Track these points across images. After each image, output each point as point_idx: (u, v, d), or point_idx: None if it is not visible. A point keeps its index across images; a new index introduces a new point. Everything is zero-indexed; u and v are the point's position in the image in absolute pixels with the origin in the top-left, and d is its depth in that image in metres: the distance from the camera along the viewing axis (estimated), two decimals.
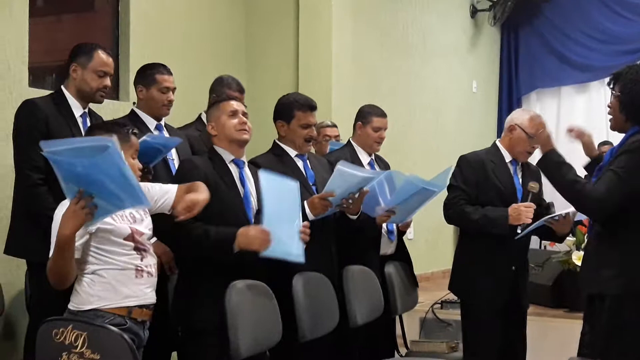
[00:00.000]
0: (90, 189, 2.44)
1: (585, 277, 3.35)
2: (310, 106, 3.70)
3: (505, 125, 3.98)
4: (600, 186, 3.14)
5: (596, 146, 7.28)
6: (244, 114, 3.35)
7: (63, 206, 2.65)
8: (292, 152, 3.72)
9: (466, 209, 3.83)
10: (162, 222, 3.02)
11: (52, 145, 2.41)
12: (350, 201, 3.54)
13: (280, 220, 3.15)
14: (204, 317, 3.13)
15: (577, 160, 8.25)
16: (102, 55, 3.51)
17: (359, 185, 3.52)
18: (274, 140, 3.77)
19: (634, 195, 3.12)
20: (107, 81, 3.51)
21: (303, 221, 3.33)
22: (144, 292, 2.79)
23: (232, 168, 3.32)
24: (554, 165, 3.34)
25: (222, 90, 4.31)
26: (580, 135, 3.75)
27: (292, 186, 3.29)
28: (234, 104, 3.35)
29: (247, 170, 3.38)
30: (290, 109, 3.68)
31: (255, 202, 3.32)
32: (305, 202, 3.48)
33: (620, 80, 3.27)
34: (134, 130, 2.90)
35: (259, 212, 3.26)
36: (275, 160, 3.67)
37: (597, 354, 3.14)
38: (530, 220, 3.68)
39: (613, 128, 3.38)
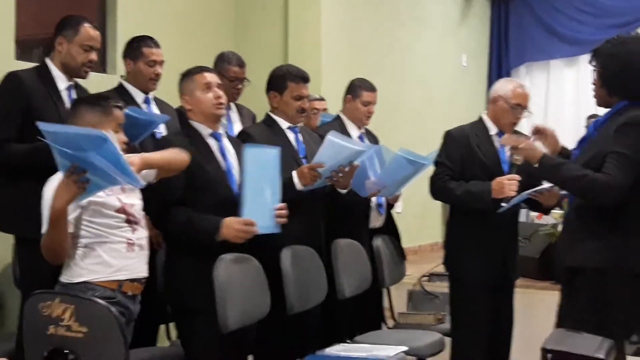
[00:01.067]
0: (83, 165, 2.48)
1: (565, 249, 3.35)
2: (303, 78, 3.71)
3: (489, 97, 3.95)
4: (614, 171, 3.06)
5: (585, 122, 7.29)
6: (218, 86, 3.30)
7: (52, 182, 2.66)
8: (284, 124, 3.72)
9: (449, 185, 3.81)
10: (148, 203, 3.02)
11: (49, 127, 2.47)
12: (340, 174, 3.54)
13: (259, 198, 3.17)
14: (193, 291, 3.13)
15: (565, 137, 8.21)
16: (88, 29, 3.47)
17: (349, 158, 3.52)
18: (267, 112, 3.78)
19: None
20: (93, 55, 3.48)
21: (289, 193, 3.35)
22: (135, 266, 2.80)
23: (211, 142, 3.28)
24: (552, 170, 3.28)
25: (222, 66, 4.29)
26: (541, 132, 3.63)
27: (272, 153, 3.29)
28: (207, 76, 3.29)
29: (226, 143, 3.34)
30: (284, 80, 3.69)
31: (238, 175, 3.28)
32: (294, 172, 3.49)
33: (600, 56, 3.26)
34: (118, 104, 2.89)
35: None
36: (267, 130, 3.68)
37: (577, 326, 3.15)
38: (514, 193, 3.64)
39: (599, 104, 3.37)
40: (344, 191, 3.75)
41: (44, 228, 2.63)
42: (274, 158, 3.30)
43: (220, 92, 3.30)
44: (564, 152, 3.58)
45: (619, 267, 3.13)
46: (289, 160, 3.58)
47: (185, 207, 3.10)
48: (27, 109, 3.32)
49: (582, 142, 3.38)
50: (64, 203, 2.53)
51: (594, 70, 3.27)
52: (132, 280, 2.79)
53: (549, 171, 3.31)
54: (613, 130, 3.16)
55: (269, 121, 3.74)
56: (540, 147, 3.46)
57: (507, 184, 3.66)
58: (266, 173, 3.25)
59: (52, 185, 2.64)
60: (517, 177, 3.69)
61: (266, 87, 3.76)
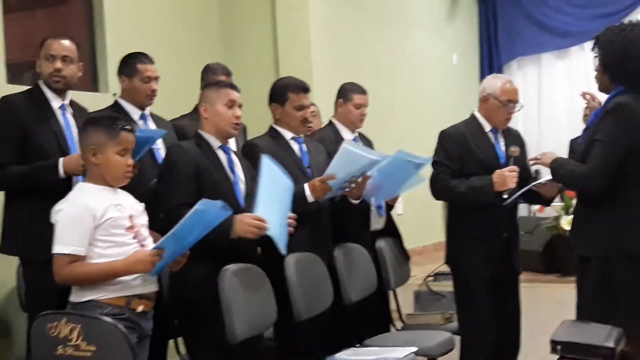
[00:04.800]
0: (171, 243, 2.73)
1: (574, 239, 3.38)
2: (304, 88, 3.75)
3: (479, 95, 3.95)
4: (592, 161, 3.16)
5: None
6: (240, 106, 3.33)
7: (67, 202, 2.73)
8: (288, 135, 3.75)
9: (451, 183, 3.83)
10: (155, 209, 3.06)
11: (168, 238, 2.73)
12: (352, 185, 3.55)
13: (272, 207, 3.19)
14: (200, 303, 3.13)
15: (560, 127, 8.12)
16: (50, 40, 3.49)
17: (363, 169, 3.53)
18: (270, 125, 3.81)
19: (622, 158, 3.14)
20: (58, 64, 3.44)
21: (300, 206, 3.40)
22: (143, 282, 2.78)
23: (220, 154, 3.31)
24: (555, 172, 3.40)
25: (208, 77, 4.30)
26: (592, 100, 3.78)
27: (287, 184, 3.34)
28: (233, 95, 3.31)
29: (234, 157, 3.38)
30: (284, 91, 3.72)
31: (244, 188, 3.32)
32: (305, 185, 3.52)
33: (600, 43, 3.30)
34: (126, 126, 2.86)
35: (249, 196, 3.28)
36: (272, 142, 3.70)
37: (590, 316, 3.16)
38: (515, 185, 3.70)
39: (600, 90, 3.42)
40: (356, 202, 3.76)
41: (73, 250, 2.67)
42: (289, 189, 3.34)
43: (239, 113, 3.31)
44: None
45: (622, 253, 3.15)
46: (295, 170, 3.61)
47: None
48: (23, 132, 3.35)
49: (586, 130, 3.42)
50: (131, 273, 2.70)
51: (595, 57, 3.32)
52: (141, 297, 2.78)
53: (556, 174, 3.42)
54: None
55: (273, 133, 3.77)
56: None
57: (509, 176, 3.70)
58: (279, 192, 3.29)
59: (68, 206, 2.72)
60: (516, 168, 3.74)
61: (268, 99, 3.79)
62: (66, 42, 3.51)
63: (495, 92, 3.85)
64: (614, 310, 3.14)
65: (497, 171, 3.73)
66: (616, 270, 3.16)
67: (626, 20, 3.45)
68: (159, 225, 3.21)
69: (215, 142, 3.30)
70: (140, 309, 2.77)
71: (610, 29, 3.29)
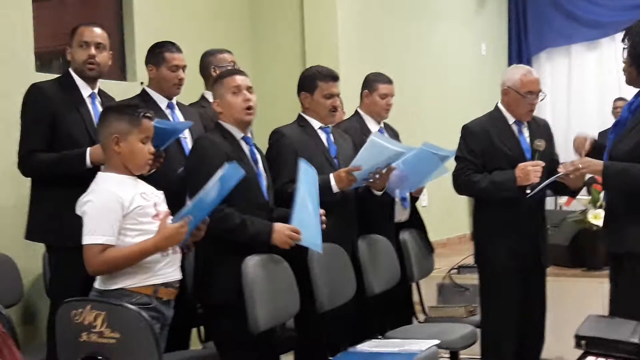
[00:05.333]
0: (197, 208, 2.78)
1: (610, 236, 3.34)
2: (333, 76, 3.76)
3: (500, 88, 3.89)
4: None
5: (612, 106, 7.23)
6: (248, 89, 3.32)
7: (94, 193, 2.74)
8: (316, 124, 3.77)
9: (473, 179, 3.79)
10: (182, 198, 3.09)
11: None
12: (377, 176, 3.55)
13: (306, 212, 3.25)
14: (223, 292, 3.16)
15: (590, 120, 8.02)
16: (83, 28, 3.52)
17: (388, 161, 3.54)
18: (299, 113, 3.82)
19: None
20: (92, 51, 3.47)
21: (325, 196, 3.41)
22: (169, 270, 2.81)
23: (243, 146, 3.32)
24: (619, 177, 3.26)
25: (209, 62, 4.30)
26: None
27: (313, 173, 3.37)
28: (237, 79, 3.31)
29: (254, 149, 3.39)
30: (313, 80, 3.74)
31: (265, 181, 3.34)
32: (331, 176, 3.53)
33: (631, 34, 3.26)
34: (147, 114, 2.87)
35: (270, 188, 3.31)
36: (299, 131, 3.72)
37: (625, 312, 3.13)
38: (538, 179, 3.63)
39: (628, 82, 3.37)
40: (379, 193, 3.76)
41: (101, 240, 2.68)
42: (314, 178, 3.37)
43: (250, 96, 3.31)
44: (596, 145, 3.55)
45: None
46: (322, 160, 3.63)
47: (234, 209, 3.12)
48: (52, 119, 3.38)
49: (617, 126, 3.36)
50: (167, 247, 2.72)
51: (624, 49, 3.27)
52: (167, 285, 2.80)
53: (617, 179, 3.28)
54: None
55: (301, 122, 3.78)
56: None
57: (532, 170, 3.64)
58: (311, 190, 3.31)
59: (99, 199, 2.72)
60: (541, 162, 3.67)
61: (297, 88, 3.80)
62: (98, 30, 3.54)
63: (515, 84, 3.79)
64: None
65: (520, 165, 3.67)
66: None
67: None
68: None
69: (237, 133, 3.31)
70: (165, 297, 2.79)
71: None
